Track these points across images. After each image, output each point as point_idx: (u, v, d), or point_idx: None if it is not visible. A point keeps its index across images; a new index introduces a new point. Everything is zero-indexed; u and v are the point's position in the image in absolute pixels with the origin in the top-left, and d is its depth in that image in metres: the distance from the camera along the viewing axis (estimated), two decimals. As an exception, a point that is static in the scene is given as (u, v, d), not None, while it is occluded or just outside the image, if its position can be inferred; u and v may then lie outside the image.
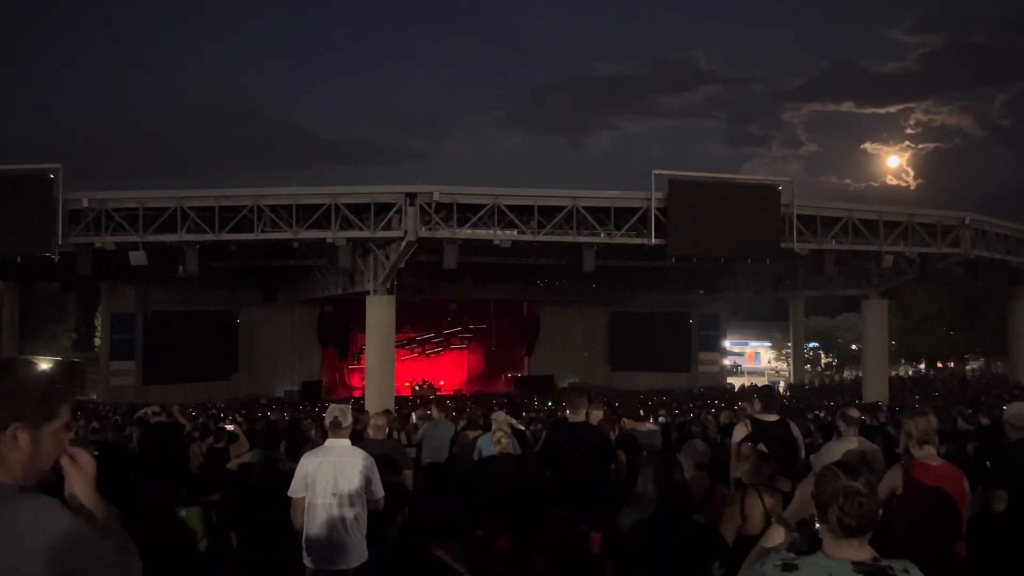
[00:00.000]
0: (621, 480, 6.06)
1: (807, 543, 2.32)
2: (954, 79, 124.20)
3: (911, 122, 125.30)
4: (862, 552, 2.14)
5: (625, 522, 3.62)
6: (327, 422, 5.03)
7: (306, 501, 4.70)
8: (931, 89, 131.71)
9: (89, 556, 1.59)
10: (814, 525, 2.27)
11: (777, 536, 2.52)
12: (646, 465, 3.76)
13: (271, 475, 7.72)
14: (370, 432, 6.74)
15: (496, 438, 5.91)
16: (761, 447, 4.57)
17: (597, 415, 7.43)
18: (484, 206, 19.76)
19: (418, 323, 38.11)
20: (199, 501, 6.06)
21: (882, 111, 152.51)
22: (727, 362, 46.98)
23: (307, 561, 4.71)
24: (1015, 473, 4.60)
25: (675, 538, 3.46)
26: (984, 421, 9.91)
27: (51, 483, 1.73)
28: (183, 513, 5.67)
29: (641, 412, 7.06)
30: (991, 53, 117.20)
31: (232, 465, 7.69)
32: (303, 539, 4.73)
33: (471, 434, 8.11)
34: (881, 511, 2.21)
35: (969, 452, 6.78)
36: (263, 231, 19.69)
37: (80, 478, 1.79)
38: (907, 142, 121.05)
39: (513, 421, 9.00)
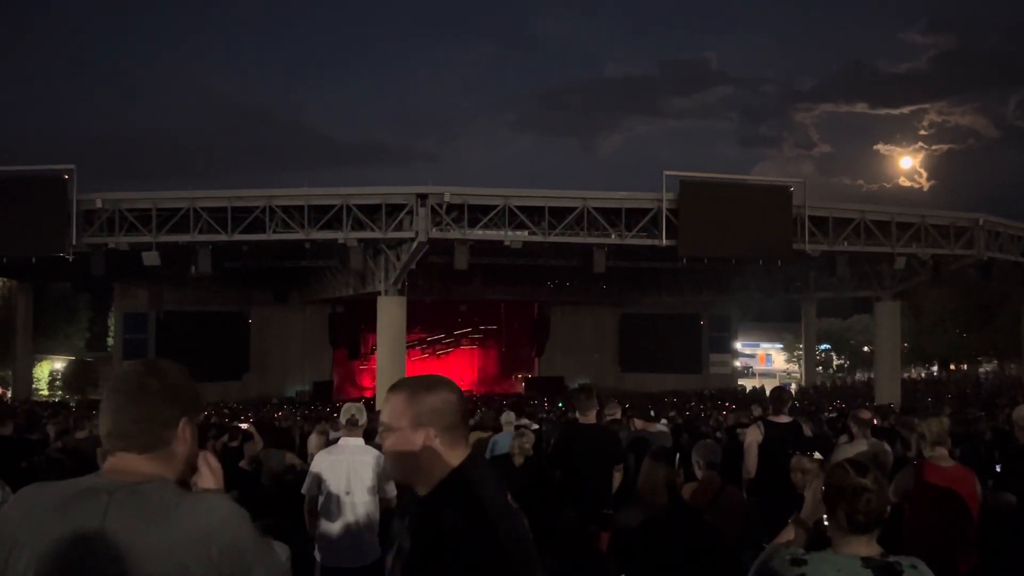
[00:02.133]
0: (629, 481, 6.07)
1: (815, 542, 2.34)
2: (968, 80, 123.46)
3: (924, 123, 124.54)
4: (870, 548, 2.17)
5: (630, 521, 3.63)
6: (343, 420, 5.07)
7: (319, 499, 4.73)
8: (945, 90, 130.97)
9: (263, 555, 1.63)
10: (823, 524, 2.29)
11: (790, 535, 2.54)
12: (652, 464, 3.76)
13: (281, 473, 7.77)
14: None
15: (521, 444, 5.91)
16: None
17: (615, 413, 7.45)
18: (495, 207, 19.79)
19: (429, 324, 38.16)
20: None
21: (895, 112, 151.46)
22: (738, 364, 46.82)
23: (319, 558, 4.74)
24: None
25: (683, 538, 3.47)
26: (994, 424, 9.84)
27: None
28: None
29: (652, 412, 7.07)
30: (1005, 54, 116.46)
31: (244, 463, 7.75)
32: (316, 536, 4.77)
33: (481, 435, 8.13)
34: (890, 509, 2.23)
35: (983, 455, 6.76)
36: (275, 232, 19.78)
37: (212, 477, 1.82)
38: (920, 143, 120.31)
39: (527, 421, 9.04)
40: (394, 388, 1.91)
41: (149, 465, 1.64)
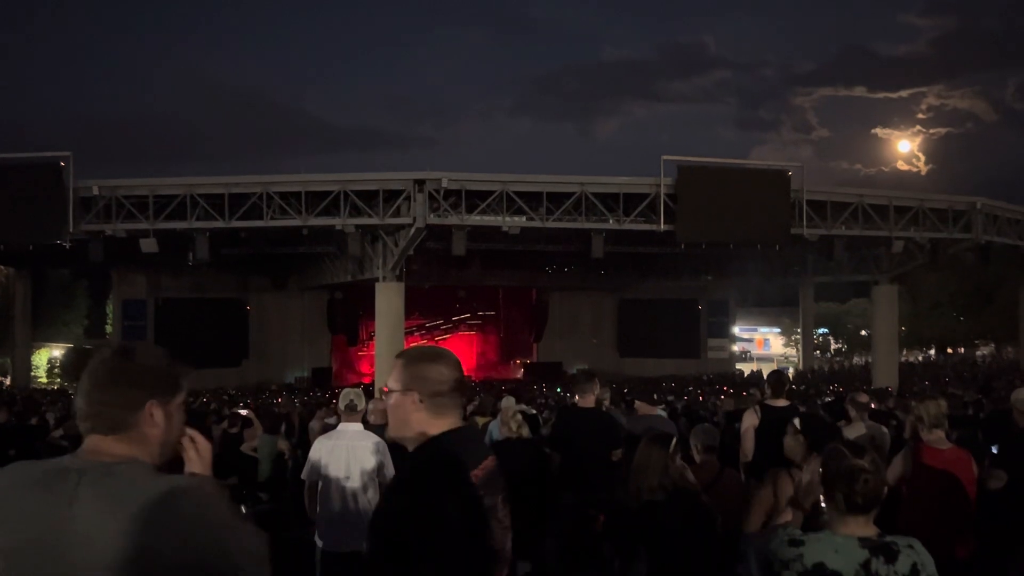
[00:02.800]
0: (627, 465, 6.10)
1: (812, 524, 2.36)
2: (967, 63, 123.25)
3: (923, 107, 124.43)
4: (868, 529, 2.19)
5: (626, 504, 3.65)
6: (342, 405, 5.09)
7: (319, 484, 4.76)
8: (943, 73, 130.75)
9: (241, 537, 1.61)
10: (821, 505, 2.31)
11: (789, 516, 2.56)
12: (648, 447, 3.77)
13: (278, 459, 7.80)
14: (370, 419, 6.79)
15: (513, 425, 5.95)
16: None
17: (605, 397, 7.46)
18: (492, 192, 19.74)
19: (427, 310, 38.19)
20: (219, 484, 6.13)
21: (894, 96, 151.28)
22: (736, 348, 46.93)
23: (319, 543, 4.77)
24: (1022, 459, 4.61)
25: (684, 520, 3.49)
26: (991, 408, 9.89)
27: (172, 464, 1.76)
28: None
29: (655, 396, 7.08)
30: (1004, 36, 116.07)
31: (245, 448, 7.78)
32: (316, 521, 4.79)
33: (480, 420, 8.16)
34: (887, 490, 2.25)
35: (979, 437, 6.79)
36: (272, 218, 19.74)
37: (199, 458, 1.85)
38: (919, 127, 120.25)
39: (524, 407, 9.06)
40: (399, 354, 2.11)
41: (121, 447, 1.64)
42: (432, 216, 19.34)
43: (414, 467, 1.92)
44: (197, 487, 1.62)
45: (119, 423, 1.65)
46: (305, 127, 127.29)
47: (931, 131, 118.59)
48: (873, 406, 7.27)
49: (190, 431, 1.85)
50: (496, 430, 6.56)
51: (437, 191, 19.39)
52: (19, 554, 1.51)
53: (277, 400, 21.08)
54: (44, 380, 37.61)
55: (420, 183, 19.30)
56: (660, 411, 7.25)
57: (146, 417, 1.67)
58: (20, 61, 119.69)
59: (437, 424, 1.97)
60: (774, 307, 57.86)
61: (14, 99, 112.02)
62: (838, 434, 4.12)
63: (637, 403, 6.56)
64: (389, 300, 21.30)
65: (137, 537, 1.49)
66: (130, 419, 1.66)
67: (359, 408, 4.95)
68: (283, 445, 8.02)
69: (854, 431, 5.67)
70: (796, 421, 3.80)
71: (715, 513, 3.62)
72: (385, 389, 2.05)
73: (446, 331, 41.68)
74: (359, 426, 4.92)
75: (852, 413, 6.09)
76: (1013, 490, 4.49)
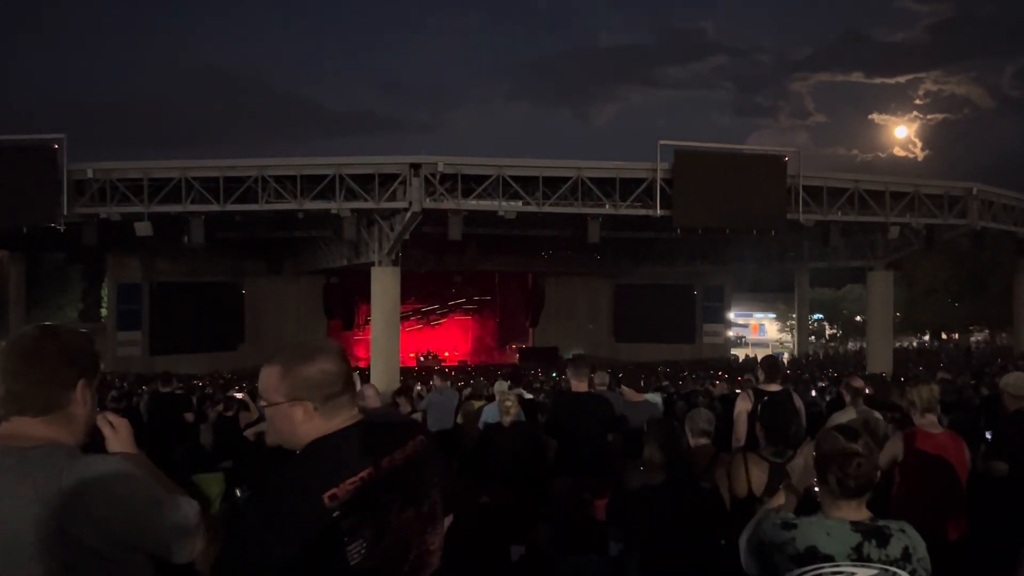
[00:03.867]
0: (621, 449, 6.11)
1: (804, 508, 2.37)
2: (964, 49, 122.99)
3: (920, 92, 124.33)
4: (860, 513, 2.20)
5: (631, 486, 3.67)
6: None
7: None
8: (941, 59, 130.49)
9: (166, 514, 1.60)
10: (814, 490, 2.32)
11: (781, 500, 2.57)
12: (651, 432, 3.80)
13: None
14: (369, 404, 6.80)
15: (505, 408, 5.97)
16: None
17: (603, 382, 7.48)
18: (489, 177, 19.69)
19: (423, 294, 38.19)
20: (216, 468, 6.14)
21: (891, 81, 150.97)
22: (731, 334, 47.01)
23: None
24: (1014, 442, 4.64)
25: (681, 503, 3.51)
26: (985, 392, 9.93)
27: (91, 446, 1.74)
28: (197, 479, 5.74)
29: (642, 383, 7.06)
30: (1001, 23, 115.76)
31: (249, 434, 7.78)
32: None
33: (476, 403, 8.18)
34: (879, 474, 2.26)
35: (972, 422, 6.82)
36: (268, 202, 19.67)
37: (118, 439, 1.82)
38: (915, 113, 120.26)
39: (522, 391, 9.08)
40: (269, 360, 1.84)
41: (45, 429, 1.61)
42: (428, 200, 19.29)
43: (268, 480, 1.71)
44: (115, 468, 1.58)
45: (51, 404, 1.63)
46: (302, 111, 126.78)
47: (928, 117, 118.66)
48: (867, 391, 7.28)
49: (105, 413, 1.83)
50: (492, 414, 6.57)
51: (433, 175, 19.33)
52: None
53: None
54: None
55: (416, 167, 19.23)
56: (649, 396, 7.25)
57: (77, 397, 1.66)
58: (14, 45, 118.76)
59: (334, 424, 1.78)
60: (770, 293, 57.98)
61: (7, 81, 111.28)
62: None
63: (624, 388, 6.56)
64: (385, 285, 21.28)
65: (56, 523, 1.47)
66: (63, 399, 1.64)
67: None
68: None
69: (849, 415, 5.69)
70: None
71: (717, 497, 3.65)
72: (264, 404, 1.81)
73: (442, 316, 41.70)
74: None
75: (847, 397, 6.12)
76: (1009, 474, 4.52)
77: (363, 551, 1.67)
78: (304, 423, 1.77)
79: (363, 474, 1.71)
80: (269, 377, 1.80)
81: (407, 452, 1.83)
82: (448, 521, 1.98)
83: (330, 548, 1.63)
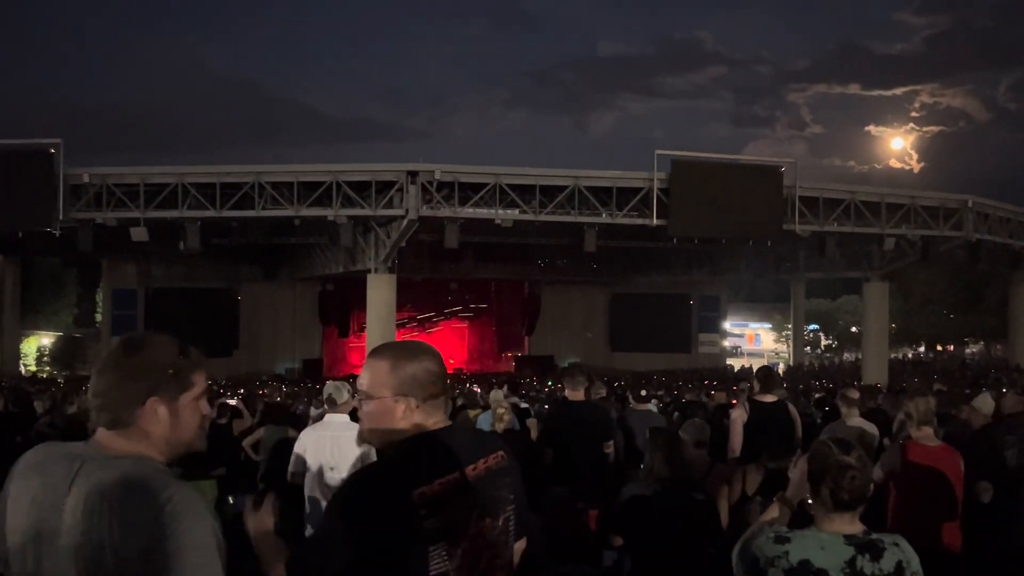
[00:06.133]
0: (619, 459, 6.10)
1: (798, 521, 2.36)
2: (960, 62, 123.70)
3: (916, 105, 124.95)
4: (853, 526, 2.19)
5: (627, 496, 3.66)
6: (324, 398, 5.12)
7: (306, 474, 4.77)
8: (937, 72, 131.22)
9: (186, 532, 1.53)
10: (808, 503, 2.31)
11: (775, 512, 2.56)
12: (654, 442, 3.79)
13: (284, 450, 7.76)
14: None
15: (498, 415, 5.96)
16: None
17: (601, 392, 7.48)
18: (485, 185, 19.70)
19: (419, 302, 38.08)
20: (209, 475, 6.12)
21: (887, 93, 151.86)
22: (727, 343, 47.02)
23: (309, 530, 4.77)
24: (982, 459, 4.69)
25: (677, 514, 3.50)
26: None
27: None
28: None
29: (643, 393, 7.07)
30: (997, 36, 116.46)
31: (247, 443, 7.74)
32: (304, 512, 4.79)
33: (471, 412, 8.16)
34: (874, 487, 2.25)
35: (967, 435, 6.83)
36: (264, 208, 19.65)
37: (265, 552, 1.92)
38: (912, 125, 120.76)
39: (516, 400, 9.06)
40: (375, 354, 1.88)
41: (122, 441, 1.60)
42: (425, 208, 19.29)
43: (361, 471, 1.82)
44: (182, 501, 1.53)
45: (116, 419, 1.60)
46: (299, 118, 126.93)
47: (924, 129, 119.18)
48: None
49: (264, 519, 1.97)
50: (486, 422, 6.56)
51: (430, 183, 19.34)
52: (24, 533, 1.53)
53: (261, 392, 21.00)
54: (33, 368, 37.45)
55: (413, 175, 19.23)
56: (650, 406, 7.26)
57: (148, 414, 1.61)
58: (11, 49, 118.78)
59: (426, 426, 1.83)
60: (765, 303, 58.04)
61: (4, 86, 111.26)
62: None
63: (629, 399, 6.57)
64: (381, 292, 21.26)
65: (91, 529, 1.48)
66: (129, 415, 1.60)
67: (339, 402, 4.97)
68: (295, 435, 7.98)
69: (841, 426, 5.69)
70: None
71: (711, 508, 3.64)
72: (363, 397, 1.85)
73: (438, 323, 41.61)
74: (345, 418, 4.93)
75: (844, 408, 6.11)
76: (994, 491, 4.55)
77: (443, 555, 1.71)
78: (404, 419, 1.81)
79: (451, 477, 1.75)
80: (377, 372, 1.83)
81: (489, 464, 1.86)
82: (521, 545, 1.98)
83: (413, 546, 1.68)
